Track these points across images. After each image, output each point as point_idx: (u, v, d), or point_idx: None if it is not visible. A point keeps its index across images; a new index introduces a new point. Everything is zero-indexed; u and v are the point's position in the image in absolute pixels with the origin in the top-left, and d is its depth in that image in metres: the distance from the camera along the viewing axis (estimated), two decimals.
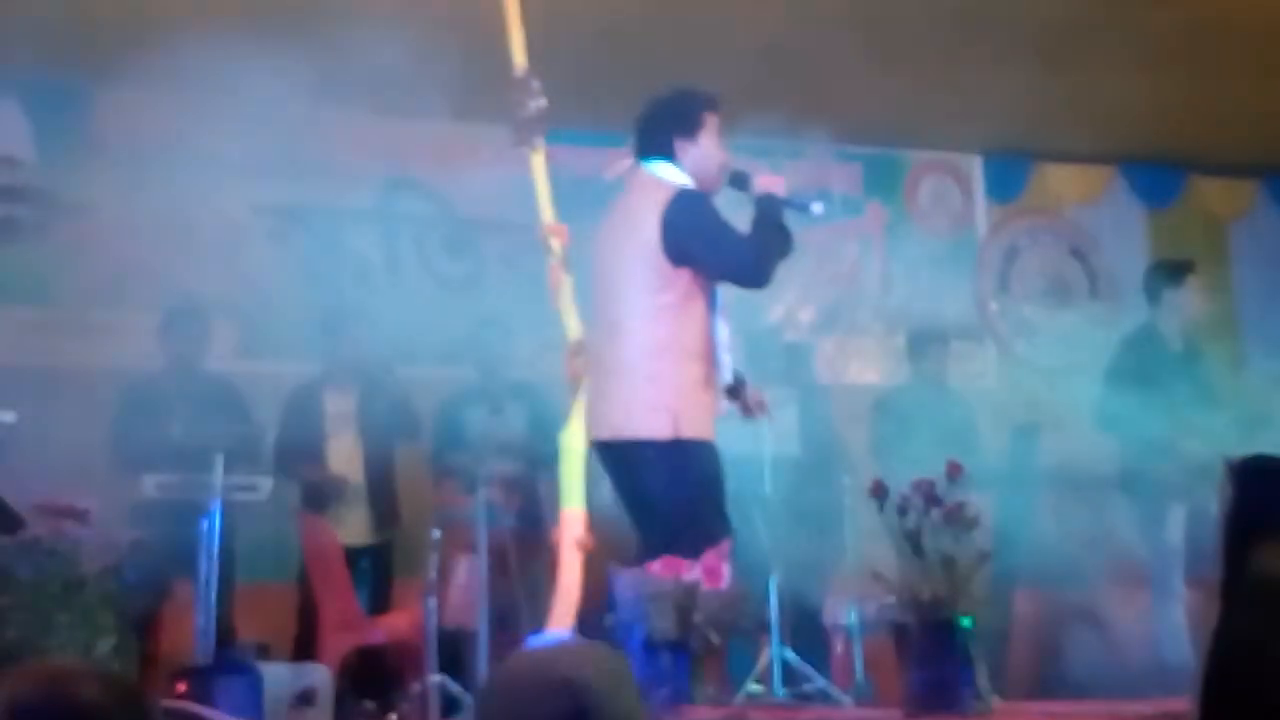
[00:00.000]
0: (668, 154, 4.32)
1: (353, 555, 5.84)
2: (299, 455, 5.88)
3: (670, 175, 4.28)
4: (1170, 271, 6.19)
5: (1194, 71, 6.64)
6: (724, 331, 4.28)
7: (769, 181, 4.32)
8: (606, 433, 4.22)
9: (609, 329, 4.25)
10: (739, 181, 4.35)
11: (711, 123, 4.36)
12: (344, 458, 5.95)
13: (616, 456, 4.25)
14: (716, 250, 4.17)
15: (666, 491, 4.10)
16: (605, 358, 4.24)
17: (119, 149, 6.22)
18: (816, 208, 4.38)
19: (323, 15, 5.66)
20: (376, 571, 5.99)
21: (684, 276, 4.15)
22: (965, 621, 3.19)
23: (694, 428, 4.12)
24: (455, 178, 6.81)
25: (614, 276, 4.27)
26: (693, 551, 4.02)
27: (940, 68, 6.53)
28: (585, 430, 4.34)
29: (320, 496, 5.86)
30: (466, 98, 6.13)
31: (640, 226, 4.20)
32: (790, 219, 4.31)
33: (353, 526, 5.91)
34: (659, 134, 4.36)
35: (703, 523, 4.13)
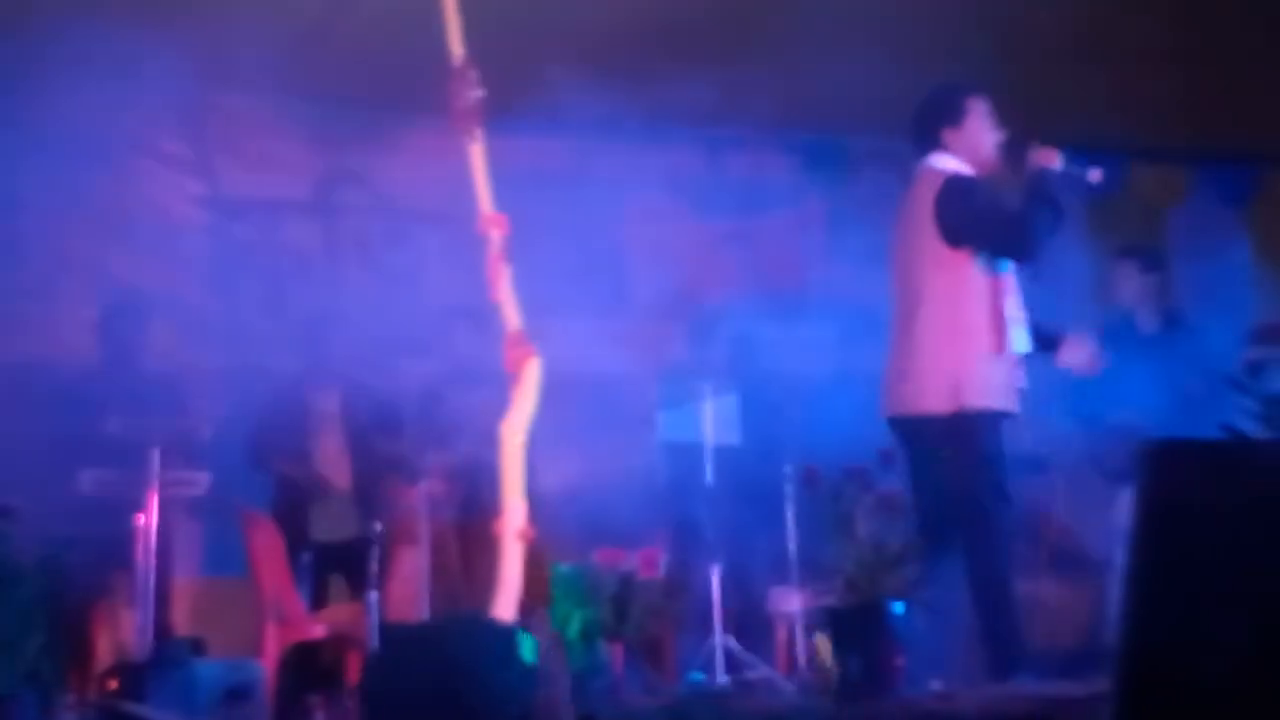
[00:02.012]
0: (939, 145, 4.65)
1: (334, 551, 5.79)
2: (280, 452, 5.84)
3: (945, 164, 4.60)
4: (1137, 256, 6.30)
5: (1129, 61, 6.69)
6: (1013, 303, 4.50)
7: (1044, 156, 4.57)
8: (899, 409, 4.55)
9: (905, 315, 4.60)
10: (1015, 158, 4.63)
11: (977, 108, 4.71)
12: (328, 456, 5.91)
13: (907, 432, 4.54)
14: (984, 230, 4.48)
15: (949, 465, 4.37)
16: (901, 341, 4.60)
17: (52, 140, 6.14)
18: (1094, 175, 4.62)
19: (258, 4, 5.61)
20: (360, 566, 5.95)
21: (962, 256, 4.47)
22: (899, 606, 3.21)
23: (977, 398, 4.38)
24: (394, 169, 6.77)
25: (906, 266, 4.63)
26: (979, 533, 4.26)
27: (880, 55, 6.54)
28: (883, 408, 4.65)
29: (298, 493, 5.82)
30: (405, 88, 6.10)
31: (921, 216, 4.55)
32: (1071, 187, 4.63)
33: (336, 522, 5.88)
34: (929, 128, 4.71)
35: (978, 498, 4.33)
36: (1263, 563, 1.47)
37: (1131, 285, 6.21)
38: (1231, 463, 1.64)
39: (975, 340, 4.43)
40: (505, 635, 2.00)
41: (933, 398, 4.44)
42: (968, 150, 4.64)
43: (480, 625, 2.12)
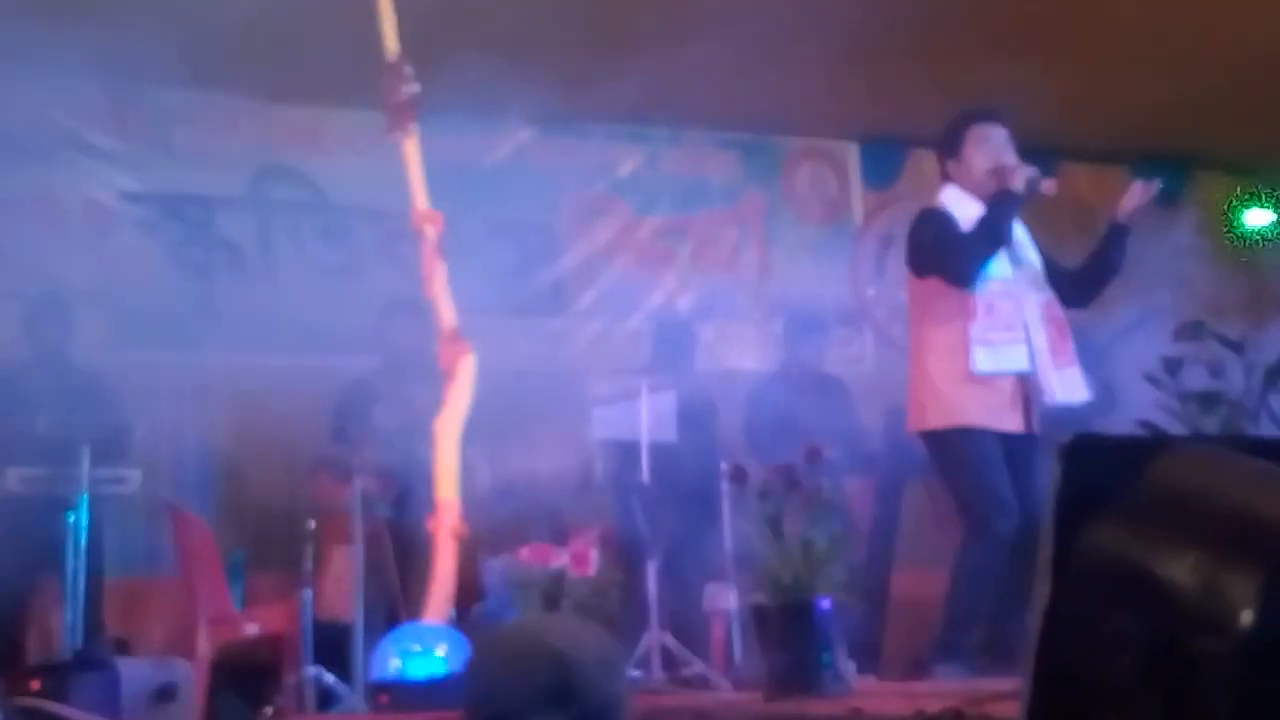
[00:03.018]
0: (948, 177, 4.76)
1: None
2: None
3: (948, 198, 4.71)
4: None
5: (1064, 62, 6.75)
6: (984, 325, 4.53)
7: (1009, 176, 4.61)
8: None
9: None
10: (999, 176, 4.66)
11: (975, 134, 4.75)
12: None
13: None
14: (930, 260, 4.64)
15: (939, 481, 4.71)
16: None
17: None
18: (1048, 186, 4.66)
19: None
20: None
21: (929, 284, 4.63)
22: (824, 604, 3.22)
23: (941, 419, 4.55)
24: (329, 164, 6.72)
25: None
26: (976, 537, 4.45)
27: (817, 55, 6.57)
28: None
29: None
30: (339, 83, 6.07)
31: None
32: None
33: None
34: (940, 162, 4.84)
35: (968, 508, 4.53)
36: (1170, 560, 1.49)
37: None
38: (1146, 459, 1.65)
39: (939, 362, 4.58)
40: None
41: (911, 419, 4.71)
42: (968, 181, 4.69)
43: (584, 627, 2.11)
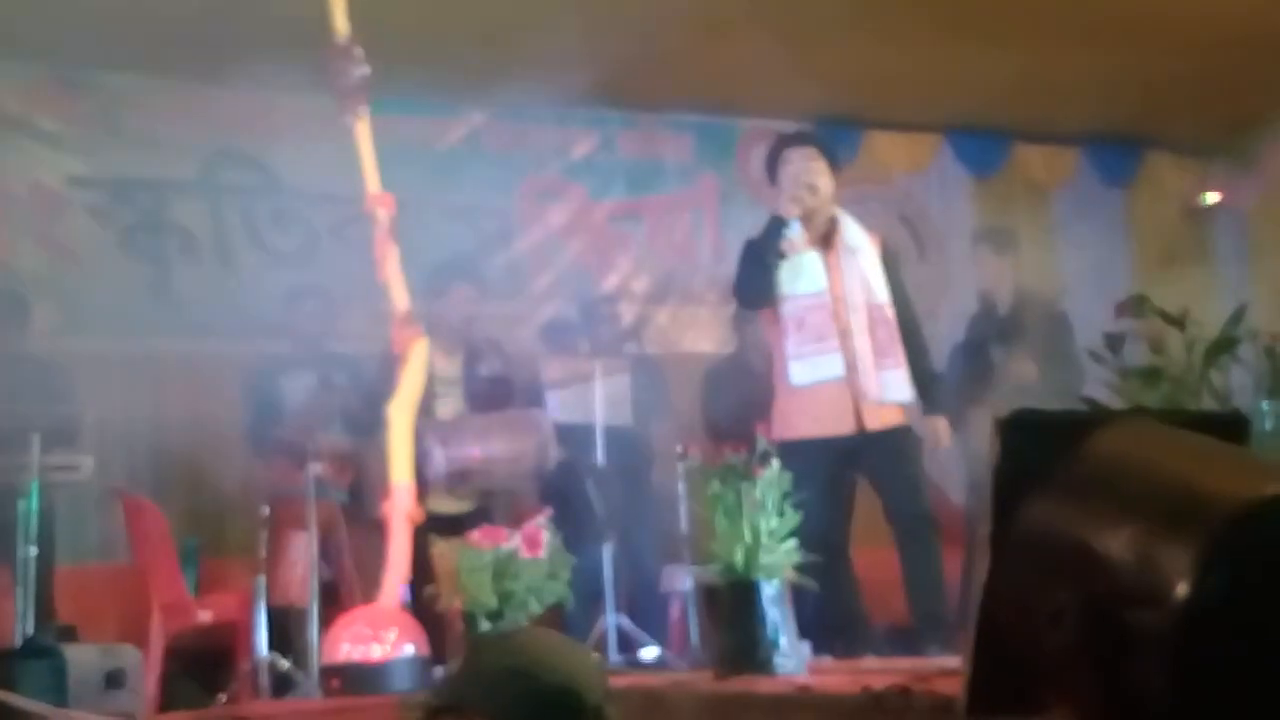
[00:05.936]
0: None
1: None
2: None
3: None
4: (990, 239, 6.37)
5: (1018, 42, 6.78)
6: (798, 340, 4.70)
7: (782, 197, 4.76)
8: None
9: None
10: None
11: (787, 157, 4.85)
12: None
13: None
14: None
15: None
16: None
17: None
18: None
19: None
20: None
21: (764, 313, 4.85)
22: (774, 583, 3.24)
23: (780, 432, 4.61)
24: (281, 148, 6.67)
25: None
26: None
27: (770, 36, 6.58)
28: None
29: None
30: (290, 66, 6.03)
31: None
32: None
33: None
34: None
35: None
36: (1106, 533, 1.51)
37: (989, 267, 6.31)
38: (1084, 434, 1.66)
39: (776, 380, 4.80)
40: None
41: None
42: (780, 204, 4.78)
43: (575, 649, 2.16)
